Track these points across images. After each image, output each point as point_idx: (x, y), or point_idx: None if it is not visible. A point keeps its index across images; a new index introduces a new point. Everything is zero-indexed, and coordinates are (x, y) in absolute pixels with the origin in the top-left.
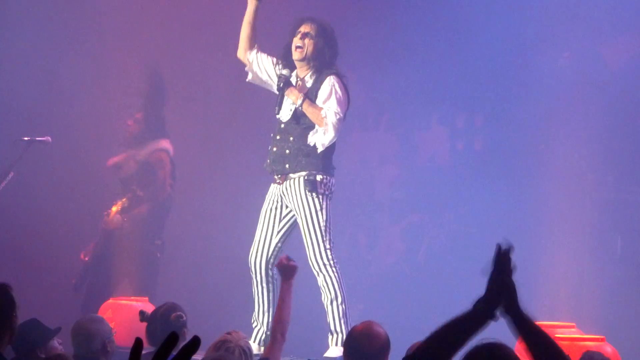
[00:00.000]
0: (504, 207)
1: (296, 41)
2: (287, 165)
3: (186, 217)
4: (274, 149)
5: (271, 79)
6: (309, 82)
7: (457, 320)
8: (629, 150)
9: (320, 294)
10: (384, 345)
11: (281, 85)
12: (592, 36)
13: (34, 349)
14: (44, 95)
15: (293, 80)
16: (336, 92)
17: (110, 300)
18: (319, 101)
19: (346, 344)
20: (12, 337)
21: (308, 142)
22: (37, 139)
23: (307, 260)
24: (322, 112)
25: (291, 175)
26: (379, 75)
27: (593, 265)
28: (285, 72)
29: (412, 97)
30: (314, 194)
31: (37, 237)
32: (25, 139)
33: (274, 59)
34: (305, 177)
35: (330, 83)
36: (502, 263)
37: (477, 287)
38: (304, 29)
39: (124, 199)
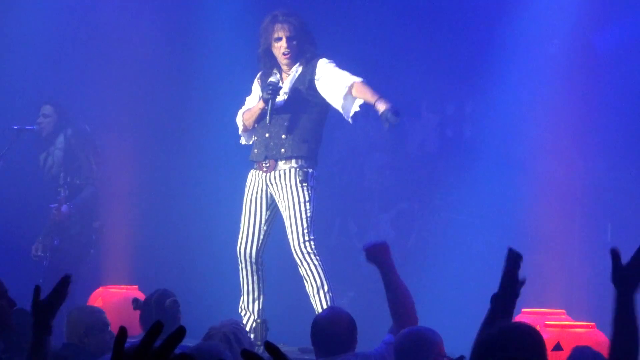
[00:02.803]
0: (493, 194)
1: (282, 48)
2: (282, 150)
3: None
4: (266, 134)
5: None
6: (294, 73)
7: (488, 321)
8: (619, 137)
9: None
10: (349, 327)
11: (270, 93)
12: (582, 23)
13: (20, 341)
14: (33, 84)
15: (279, 74)
16: (338, 66)
17: (100, 289)
18: (325, 82)
19: (312, 333)
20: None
21: (307, 128)
22: (27, 127)
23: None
24: (351, 81)
25: (281, 165)
26: (367, 63)
27: (583, 252)
28: (273, 79)
29: (401, 85)
30: (305, 185)
31: (26, 225)
32: (15, 127)
33: (258, 81)
34: (298, 169)
35: (326, 63)
36: (514, 263)
37: (465, 273)
38: (283, 32)
39: (62, 191)
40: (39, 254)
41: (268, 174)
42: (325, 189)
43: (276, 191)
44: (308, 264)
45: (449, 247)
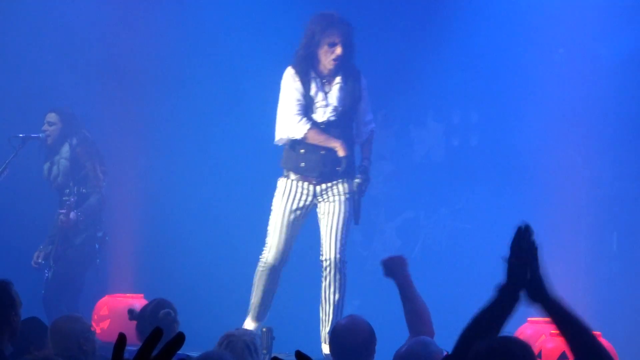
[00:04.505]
0: (499, 203)
1: (334, 55)
2: (338, 168)
3: (188, 213)
4: (322, 151)
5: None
6: (340, 83)
7: (486, 309)
8: (625, 146)
9: (320, 291)
10: (368, 338)
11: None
12: (588, 32)
13: (29, 347)
14: (38, 92)
15: (313, 79)
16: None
17: (106, 297)
18: (360, 107)
19: (331, 340)
20: (12, 336)
21: (352, 141)
22: (33, 135)
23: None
24: (372, 126)
25: (333, 177)
26: (374, 71)
27: (589, 262)
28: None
29: (407, 94)
30: (350, 197)
31: (30, 234)
32: (20, 135)
33: (296, 80)
34: (350, 180)
35: (366, 84)
36: (520, 245)
37: (471, 282)
38: (339, 38)
39: (71, 198)
40: (40, 261)
41: (318, 186)
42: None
43: (326, 201)
44: (342, 273)
45: (455, 256)
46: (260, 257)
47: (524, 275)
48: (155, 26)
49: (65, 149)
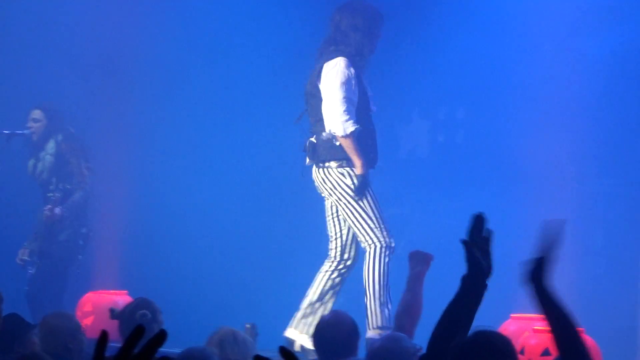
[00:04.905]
0: (485, 199)
1: (374, 49)
2: (354, 184)
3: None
4: (374, 139)
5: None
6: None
7: (454, 302)
8: (609, 143)
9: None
10: (352, 333)
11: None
12: (574, 29)
13: (11, 343)
14: (23, 88)
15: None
16: None
17: (90, 294)
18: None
19: (314, 335)
20: None
21: None
22: (18, 132)
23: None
24: None
25: None
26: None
27: (574, 258)
28: None
29: (393, 90)
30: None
31: (18, 229)
32: (6, 132)
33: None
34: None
35: None
36: (475, 232)
37: (457, 278)
38: (381, 32)
39: (55, 194)
40: (25, 258)
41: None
42: (315, 193)
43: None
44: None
45: (440, 252)
46: (382, 243)
47: (483, 262)
48: (141, 20)
49: (51, 146)
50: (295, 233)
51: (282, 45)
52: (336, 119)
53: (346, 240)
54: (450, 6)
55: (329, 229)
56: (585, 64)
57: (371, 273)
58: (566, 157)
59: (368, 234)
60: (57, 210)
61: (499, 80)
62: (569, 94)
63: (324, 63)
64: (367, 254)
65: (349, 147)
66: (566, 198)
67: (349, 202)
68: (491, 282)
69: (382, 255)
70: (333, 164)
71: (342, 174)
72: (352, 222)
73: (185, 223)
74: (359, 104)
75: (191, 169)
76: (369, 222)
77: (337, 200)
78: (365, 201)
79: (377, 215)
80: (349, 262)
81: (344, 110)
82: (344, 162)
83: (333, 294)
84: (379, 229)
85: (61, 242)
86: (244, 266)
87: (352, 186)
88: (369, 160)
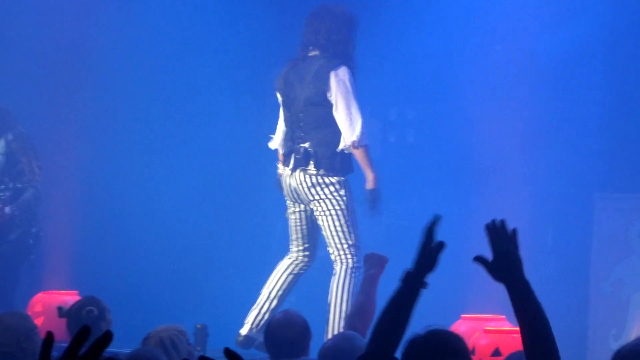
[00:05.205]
0: (436, 200)
1: None
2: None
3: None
4: None
5: None
6: None
7: (393, 299)
8: (560, 143)
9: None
10: (303, 332)
11: None
12: (525, 29)
13: None
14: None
15: None
16: None
17: (40, 294)
18: None
19: (266, 334)
20: None
21: None
22: None
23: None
24: None
25: None
26: None
27: (524, 258)
28: None
29: None
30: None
31: None
32: None
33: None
34: None
35: None
36: (429, 234)
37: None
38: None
39: (6, 193)
40: None
41: None
42: (267, 194)
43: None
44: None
45: (391, 253)
46: (356, 262)
47: (433, 260)
48: (92, 17)
49: (1, 145)
50: (249, 233)
51: (239, 47)
52: (357, 129)
53: (310, 244)
54: (400, 5)
55: (293, 231)
56: (535, 63)
57: (340, 290)
58: (516, 158)
59: (344, 250)
60: (7, 209)
61: (450, 80)
62: (519, 94)
63: (330, 71)
64: (340, 269)
65: (364, 157)
66: (516, 198)
67: (337, 214)
68: (443, 282)
69: (354, 273)
70: (333, 177)
71: (340, 184)
72: (333, 233)
73: (137, 222)
74: None
75: (141, 168)
76: (349, 238)
77: (322, 210)
78: (353, 216)
79: (358, 233)
80: (307, 265)
81: (363, 121)
82: (343, 177)
83: (288, 292)
84: (356, 247)
85: (11, 241)
86: (196, 266)
87: (346, 198)
88: (350, 164)
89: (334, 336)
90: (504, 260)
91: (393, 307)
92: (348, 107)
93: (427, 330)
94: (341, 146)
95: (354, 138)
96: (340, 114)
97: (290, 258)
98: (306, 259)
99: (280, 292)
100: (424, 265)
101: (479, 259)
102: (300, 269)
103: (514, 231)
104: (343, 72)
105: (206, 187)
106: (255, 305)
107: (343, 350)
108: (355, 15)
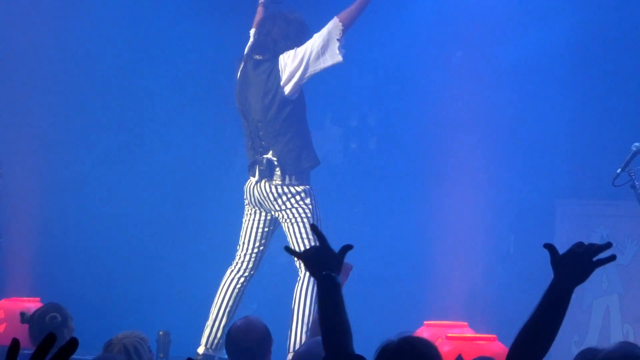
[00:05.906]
0: (397, 206)
1: None
2: None
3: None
4: None
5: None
6: None
7: (321, 301)
8: (522, 149)
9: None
10: (264, 338)
11: None
12: (486, 35)
13: None
14: None
15: None
16: None
17: (2, 301)
18: None
19: (227, 341)
20: None
21: None
22: None
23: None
24: None
25: None
26: None
27: (486, 264)
28: None
29: (305, 96)
30: None
31: None
32: None
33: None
34: None
35: None
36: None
37: (370, 286)
38: None
39: None
40: None
41: None
42: (231, 200)
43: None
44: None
45: (352, 260)
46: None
47: (335, 262)
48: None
49: None
50: (211, 239)
51: (200, 51)
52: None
53: (256, 252)
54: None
55: (244, 234)
56: (498, 69)
57: (303, 297)
58: (480, 163)
59: None
60: None
61: (412, 87)
62: (482, 100)
63: (278, 65)
64: (304, 275)
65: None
66: (478, 204)
67: (302, 222)
68: (405, 289)
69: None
70: (298, 186)
71: (305, 192)
72: (298, 241)
73: (98, 229)
74: (300, 109)
75: (103, 174)
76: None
77: (288, 218)
78: (318, 224)
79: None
80: (249, 275)
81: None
82: (308, 185)
83: (235, 307)
84: None
85: None
86: (158, 272)
87: (312, 206)
88: (316, 158)
89: (306, 341)
90: (575, 259)
91: (322, 306)
92: (314, 38)
93: (400, 337)
94: (334, 34)
95: (331, 23)
96: (307, 43)
97: (232, 270)
98: (249, 269)
99: (227, 309)
100: (334, 267)
101: (549, 247)
102: (243, 282)
103: (599, 249)
104: (287, 52)
105: (167, 194)
106: (206, 325)
107: (317, 355)
108: (306, 24)
